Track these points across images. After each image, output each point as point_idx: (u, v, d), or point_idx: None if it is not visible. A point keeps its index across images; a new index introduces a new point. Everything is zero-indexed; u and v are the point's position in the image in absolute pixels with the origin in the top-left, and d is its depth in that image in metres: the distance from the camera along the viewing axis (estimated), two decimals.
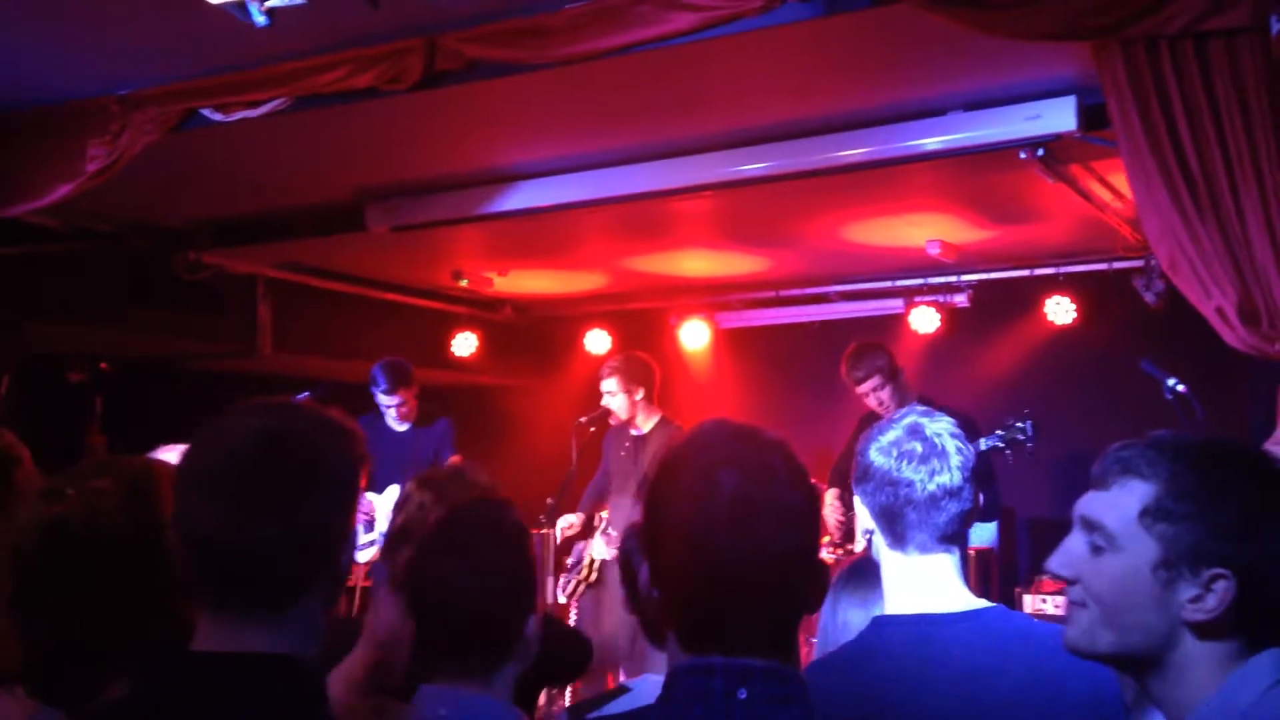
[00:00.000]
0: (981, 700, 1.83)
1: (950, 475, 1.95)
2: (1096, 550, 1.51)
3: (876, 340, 5.94)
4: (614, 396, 5.92)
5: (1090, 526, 1.53)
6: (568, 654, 2.83)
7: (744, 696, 1.34)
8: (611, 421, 6.07)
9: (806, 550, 1.43)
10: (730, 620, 1.37)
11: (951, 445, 1.97)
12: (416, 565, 1.98)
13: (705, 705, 1.35)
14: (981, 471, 5.46)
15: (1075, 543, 1.54)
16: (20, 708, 1.94)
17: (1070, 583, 1.54)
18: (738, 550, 1.35)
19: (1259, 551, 1.42)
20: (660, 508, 1.43)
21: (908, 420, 2.01)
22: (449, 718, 1.87)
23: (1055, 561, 1.56)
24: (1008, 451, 5.28)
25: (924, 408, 2.06)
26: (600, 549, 5.93)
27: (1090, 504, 1.54)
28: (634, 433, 6.05)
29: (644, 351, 6.33)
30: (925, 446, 1.96)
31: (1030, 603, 6.42)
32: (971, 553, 6.15)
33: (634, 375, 5.95)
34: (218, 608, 1.45)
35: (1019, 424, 5.26)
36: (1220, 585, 1.42)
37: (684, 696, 1.37)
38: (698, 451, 1.42)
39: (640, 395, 5.95)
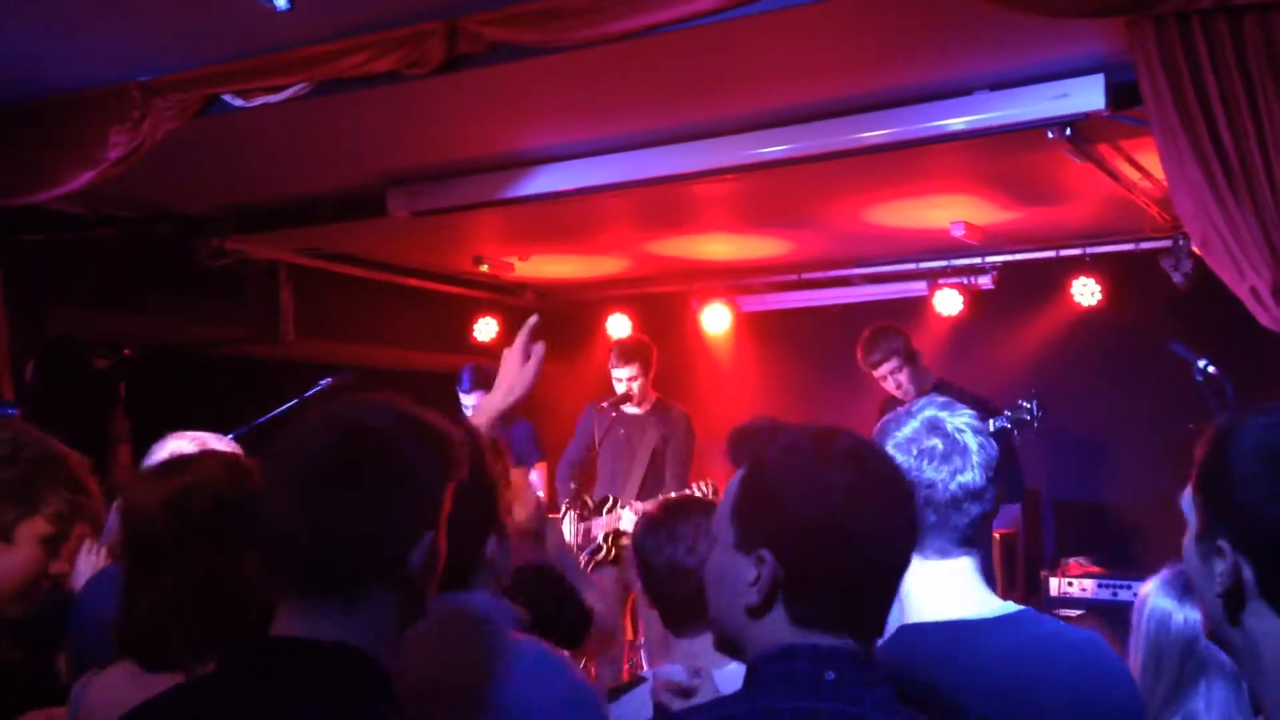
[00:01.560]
0: (1018, 708, 1.76)
1: (973, 474, 1.85)
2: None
3: (896, 324, 5.95)
4: (636, 380, 6.09)
5: None
6: (560, 618, 2.67)
7: (831, 678, 1.36)
8: (627, 407, 6.19)
9: (915, 540, 1.53)
10: (873, 604, 1.44)
11: (974, 442, 1.86)
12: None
13: (791, 686, 1.36)
14: (1004, 452, 5.50)
15: None
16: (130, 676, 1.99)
17: None
18: (896, 536, 1.44)
19: (1256, 523, 1.36)
20: (809, 500, 1.42)
21: (926, 414, 1.90)
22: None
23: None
24: (1015, 432, 5.32)
25: (943, 399, 1.95)
26: (628, 520, 5.93)
27: None
28: (633, 412, 6.18)
29: (664, 336, 6.42)
30: (946, 443, 1.85)
31: (1056, 585, 6.38)
32: (996, 536, 6.12)
33: (650, 359, 6.17)
34: (291, 597, 1.47)
35: (1025, 404, 5.33)
36: (1227, 557, 1.38)
37: (769, 681, 1.38)
38: (831, 450, 1.45)
39: (650, 377, 6.18)
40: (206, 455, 2.21)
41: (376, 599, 1.46)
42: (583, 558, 6.01)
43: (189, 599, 2.00)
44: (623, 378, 6.11)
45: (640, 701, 2.22)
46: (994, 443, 1.91)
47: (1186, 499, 1.47)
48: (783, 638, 1.40)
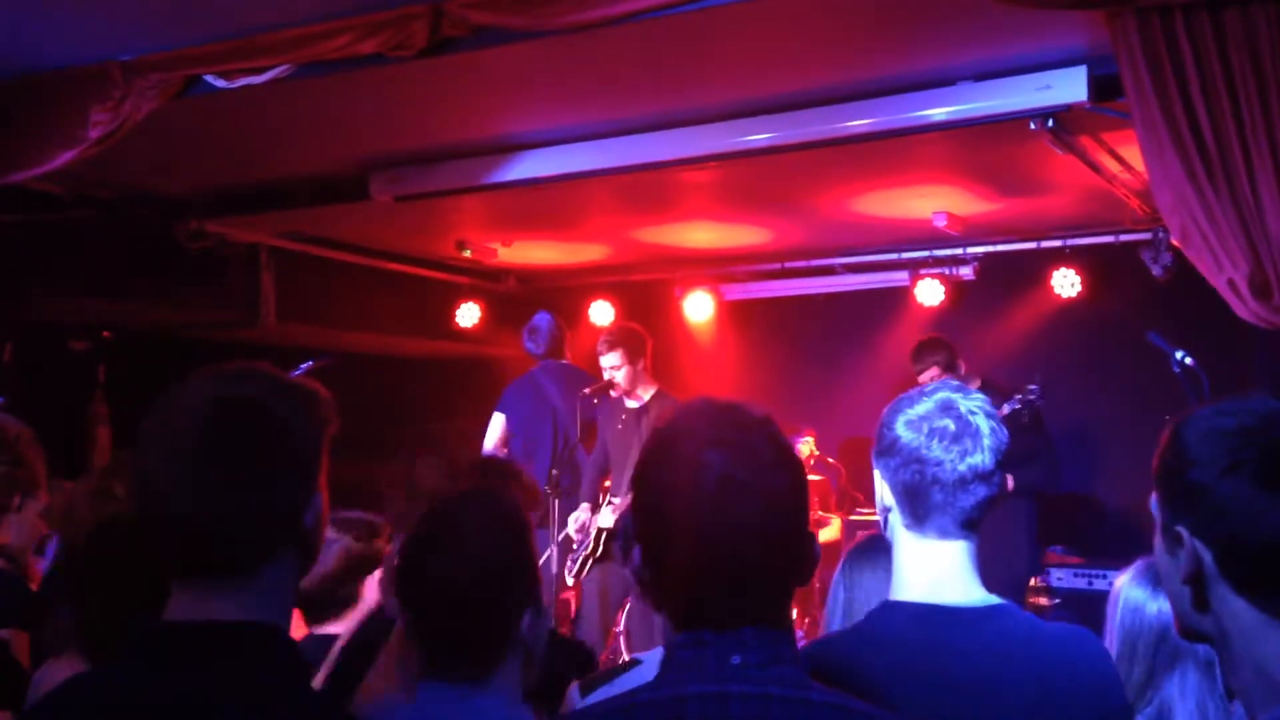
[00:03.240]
0: (991, 703, 1.77)
1: (982, 456, 1.84)
2: None
3: (943, 337, 6.26)
4: (619, 370, 5.95)
5: None
6: (570, 666, 2.67)
7: (737, 662, 1.38)
8: (613, 394, 6.08)
9: (794, 527, 1.46)
10: (719, 601, 1.40)
11: (985, 425, 1.86)
12: (404, 558, 1.90)
13: (699, 675, 1.38)
14: (1039, 431, 5.78)
15: None
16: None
17: None
18: (725, 533, 1.39)
19: (1206, 503, 1.39)
20: (649, 491, 1.45)
21: (940, 395, 1.89)
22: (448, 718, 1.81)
23: None
24: (1025, 414, 5.63)
25: (957, 383, 1.95)
26: (606, 518, 5.94)
27: None
28: (632, 404, 6.06)
29: (647, 323, 6.34)
30: (958, 425, 1.84)
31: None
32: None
33: (635, 347, 6.00)
34: (183, 577, 1.44)
35: (1031, 386, 5.69)
36: (1186, 545, 1.41)
37: (679, 669, 1.40)
38: (683, 434, 1.45)
39: (641, 366, 6.00)
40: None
41: (276, 567, 1.45)
42: (582, 554, 6.02)
43: (116, 618, 1.98)
44: (606, 367, 5.98)
45: (632, 685, 2.24)
46: (1005, 429, 1.91)
47: (1154, 498, 1.49)
48: (671, 637, 1.45)
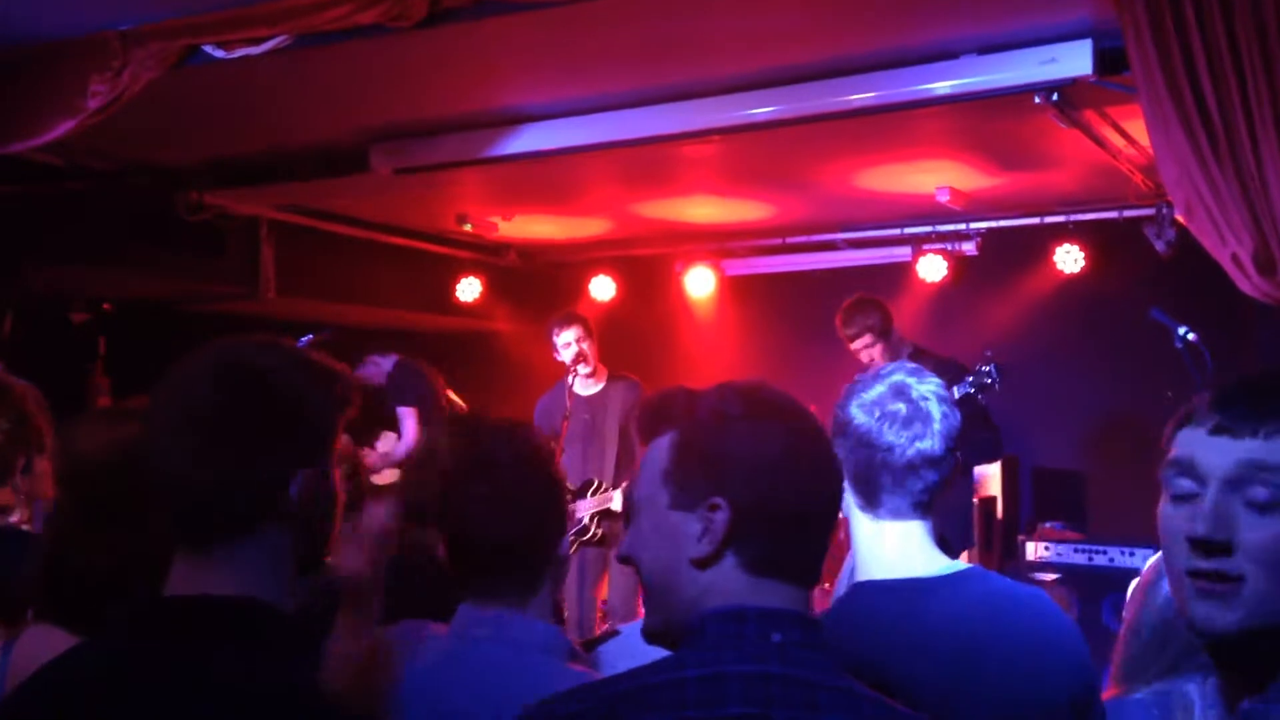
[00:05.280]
0: (971, 666, 1.80)
1: (932, 441, 1.87)
2: (1265, 508, 1.30)
3: (875, 296, 5.97)
4: (585, 340, 5.99)
5: (1259, 475, 1.30)
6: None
7: (778, 640, 1.35)
8: (580, 388, 6.07)
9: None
10: (801, 550, 1.43)
11: (937, 410, 1.89)
12: (446, 491, 1.97)
13: (738, 649, 1.34)
14: (975, 415, 5.44)
15: (1226, 501, 1.31)
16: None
17: (1221, 551, 1.31)
18: (823, 487, 1.44)
19: None
20: (760, 449, 1.42)
21: (894, 378, 1.92)
22: (487, 638, 1.88)
23: (1207, 526, 1.31)
24: (979, 396, 5.36)
25: (913, 365, 1.98)
26: (618, 502, 5.91)
27: (1254, 451, 1.31)
28: (589, 393, 6.10)
29: (648, 298, 6.35)
30: (909, 409, 1.88)
31: (1033, 549, 6.43)
32: (975, 500, 6.19)
33: (589, 326, 6.06)
34: (182, 546, 1.45)
35: (984, 368, 5.34)
36: None
37: (715, 641, 1.36)
38: (777, 406, 1.47)
39: (595, 344, 6.05)
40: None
41: (266, 540, 1.44)
42: (569, 539, 6.01)
43: (144, 559, 1.97)
44: (570, 340, 6.00)
45: (618, 651, 2.26)
46: (958, 413, 1.93)
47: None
48: (733, 588, 1.39)
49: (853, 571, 2.36)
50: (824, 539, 1.45)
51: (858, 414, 1.90)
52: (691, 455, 1.44)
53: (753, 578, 1.39)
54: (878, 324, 5.72)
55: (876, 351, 5.70)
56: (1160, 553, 2.34)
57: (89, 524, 1.99)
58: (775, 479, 1.40)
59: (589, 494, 6.00)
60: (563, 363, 6.09)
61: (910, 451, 1.86)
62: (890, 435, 1.87)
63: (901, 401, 1.88)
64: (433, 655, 1.90)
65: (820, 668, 1.35)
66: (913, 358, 5.49)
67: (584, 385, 6.15)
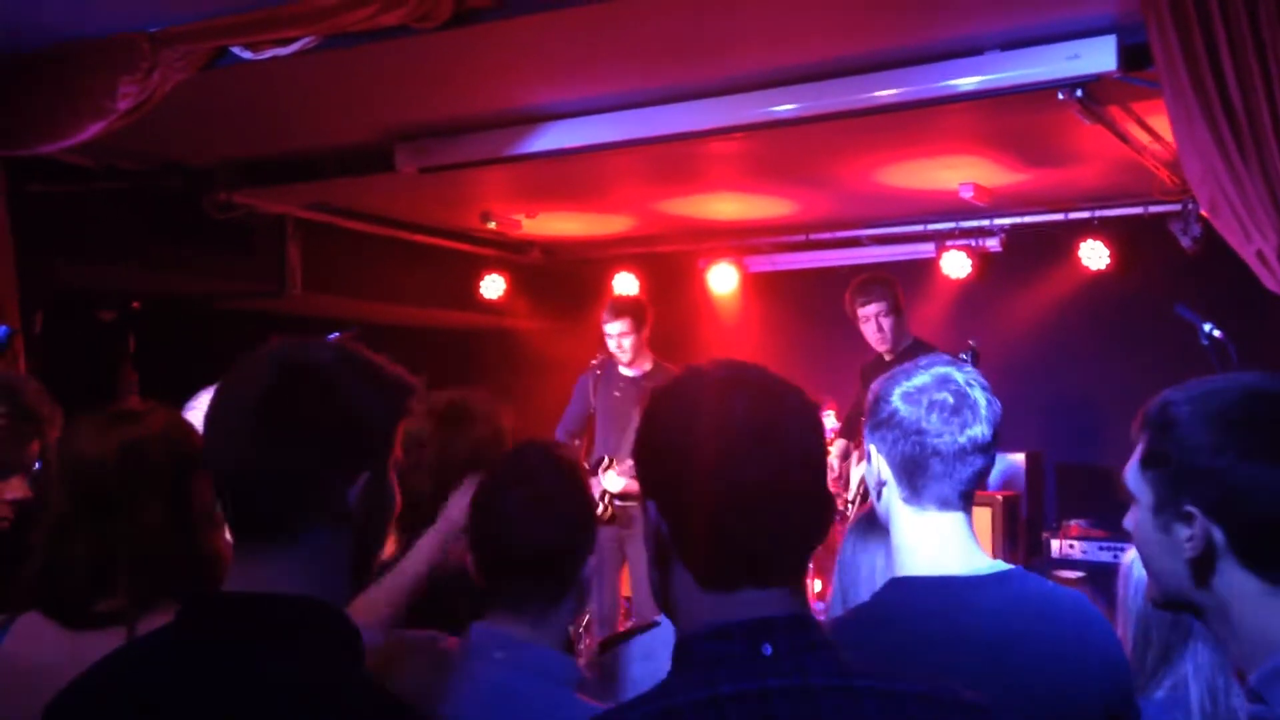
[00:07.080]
0: (1008, 667, 1.79)
1: (981, 428, 1.88)
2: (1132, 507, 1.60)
3: (885, 275, 6.10)
4: (627, 336, 6.13)
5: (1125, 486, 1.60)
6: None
7: (769, 653, 1.26)
8: (617, 364, 6.26)
9: (821, 471, 1.37)
10: (759, 547, 1.29)
11: (982, 398, 1.90)
12: (482, 496, 1.98)
13: (729, 668, 1.25)
14: None
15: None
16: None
17: None
18: (763, 465, 1.28)
19: (1225, 486, 1.43)
20: (669, 435, 1.32)
21: (937, 369, 1.92)
22: (504, 661, 1.87)
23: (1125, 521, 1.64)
24: None
25: (948, 356, 1.99)
26: (613, 482, 6.00)
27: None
28: (632, 374, 6.24)
29: (671, 295, 6.41)
30: (956, 398, 1.88)
31: (1058, 547, 6.43)
32: (1000, 497, 6.16)
33: (641, 316, 6.20)
34: (239, 542, 1.46)
35: (963, 355, 5.28)
36: (1197, 522, 1.45)
37: (704, 662, 1.27)
38: (701, 378, 1.36)
39: (644, 336, 6.20)
40: (154, 408, 2.18)
41: (322, 540, 1.44)
42: None
43: (140, 552, 1.99)
44: (613, 333, 6.16)
45: (648, 645, 2.29)
46: (998, 400, 1.94)
47: (1134, 475, 1.54)
48: (705, 604, 1.29)
49: (853, 572, 2.38)
50: (793, 520, 1.31)
51: (903, 405, 1.89)
52: (638, 454, 1.38)
53: (714, 594, 1.29)
54: (893, 297, 5.87)
55: (888, 323, 5.84)
56: (1129, 553, 2.41)
57: (83, 520, 2.04)
58: (707, 469, 1.28)
59: (601, 472, 6.08)
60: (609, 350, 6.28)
61: (962, 438, 1.86)
62: (939, 423, 1.86)
63: (947, 390, 1.88)
64: (450, 674, 1.90)
65: (818, 671, 1.26)
66: (915, 346, 5.58)
67: (626, 369, 6.30)
